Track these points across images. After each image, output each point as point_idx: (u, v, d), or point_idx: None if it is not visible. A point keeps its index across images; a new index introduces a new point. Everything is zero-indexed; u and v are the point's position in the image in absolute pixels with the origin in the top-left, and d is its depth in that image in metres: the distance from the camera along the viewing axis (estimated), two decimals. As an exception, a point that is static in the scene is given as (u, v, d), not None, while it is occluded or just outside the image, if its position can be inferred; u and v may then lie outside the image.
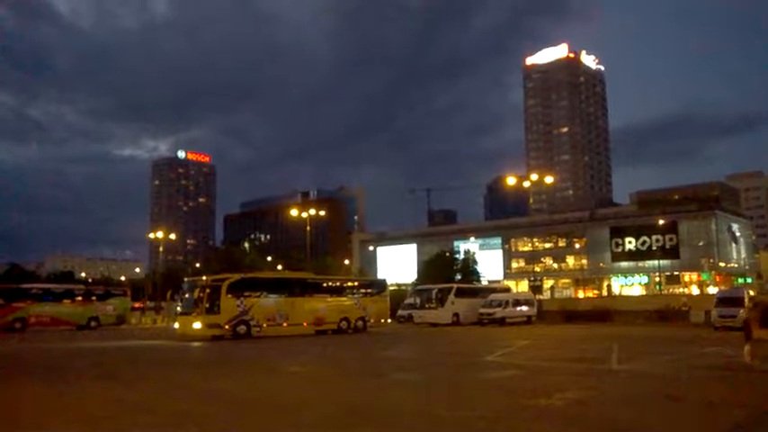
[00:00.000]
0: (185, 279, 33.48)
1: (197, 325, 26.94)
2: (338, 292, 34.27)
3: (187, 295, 28.66)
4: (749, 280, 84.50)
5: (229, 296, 27.67)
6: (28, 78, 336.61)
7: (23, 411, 9.83)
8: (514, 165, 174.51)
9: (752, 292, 42.43)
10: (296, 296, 31.08)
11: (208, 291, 27.32)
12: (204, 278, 29.84)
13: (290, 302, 30.50)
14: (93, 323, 39.07)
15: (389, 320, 36.70)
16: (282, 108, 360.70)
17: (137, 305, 57.49)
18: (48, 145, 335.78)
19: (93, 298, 40.97)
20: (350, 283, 37.51)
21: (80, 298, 40.31)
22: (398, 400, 11.04)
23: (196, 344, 25.89)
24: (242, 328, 27.91)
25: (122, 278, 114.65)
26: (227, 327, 27.37)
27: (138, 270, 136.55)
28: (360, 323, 33.29)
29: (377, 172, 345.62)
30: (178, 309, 29.92)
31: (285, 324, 29.72)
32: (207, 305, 26.96)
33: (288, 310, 30.19)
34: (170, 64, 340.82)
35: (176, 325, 29.10)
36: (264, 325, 28.81)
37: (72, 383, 13.12)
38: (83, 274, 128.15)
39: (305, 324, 30.64)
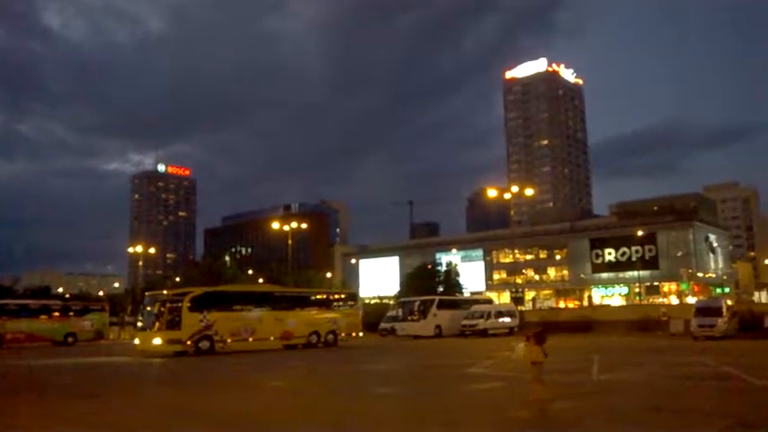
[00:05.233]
0: (146, 293, 31.97)
1: (157, 341, 25.86)
2: (307, 304, 33.02)
3: (148, 309, 27.61)
4: (727, 290, 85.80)
5: (191, 311, 26.54)
6: (17, 94, 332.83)
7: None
8: (497, 178, 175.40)
9: (729, 302, 42.94)
10: (262, 309, 29.96)
11: (169, 305, 26.26)
12: (165, 292, 28.60)
13: (256, 316, 29.39)
14: (70, 339, 38.27)
15: (361, 334, 35.05)
16: (270, 125, 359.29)
17: (115, 320, 56.60)
18: (35, 160, 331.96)
19: (71, 313, 40.20)
20: (319, 296, 36.07)
21: (57, 313, 39.52)
22: (383, 416, 10.92)
23: (157, 360, 24.99)
24: (204, 344, 26.64)
25: (101, 293, 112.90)
26: (188, 342, 26.22)
27: (117, 285, 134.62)
28: (330, 337, 31.98)
29: (364, 188, 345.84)
30: (139, 324, 28.95)
31: (251, 339, 28.54)
32: (168, 320, 25.90)
33: (254, 324, 29.02)
34: (159, 80, 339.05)
35: (136, 341, 28.01)
36: (229, 340, 27.52)
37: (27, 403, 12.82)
38: (60, 290, 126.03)
39: (272, 338, 29.47)
